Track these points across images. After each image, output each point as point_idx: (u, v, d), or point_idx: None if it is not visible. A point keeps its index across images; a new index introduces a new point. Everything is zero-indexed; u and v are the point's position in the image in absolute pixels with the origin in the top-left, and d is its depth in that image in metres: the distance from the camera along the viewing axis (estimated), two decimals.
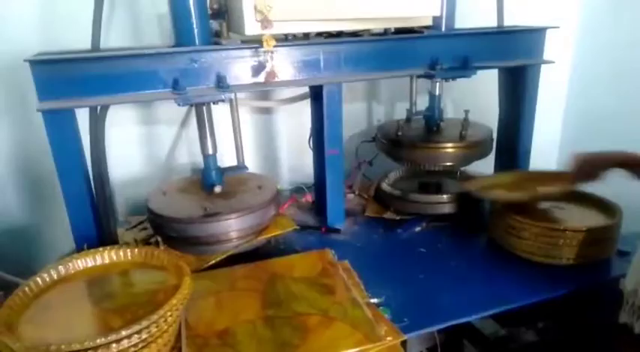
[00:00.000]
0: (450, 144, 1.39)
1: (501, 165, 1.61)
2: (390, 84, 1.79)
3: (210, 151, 1.25)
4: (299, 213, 1.54)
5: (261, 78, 1.18)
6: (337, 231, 1.40)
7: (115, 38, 1.40)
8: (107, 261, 1.00)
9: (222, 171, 1.28)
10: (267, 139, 1.74)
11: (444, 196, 1.42)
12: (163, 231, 1.20)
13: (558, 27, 1.44)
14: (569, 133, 2.13)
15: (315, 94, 1.35)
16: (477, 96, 1.73)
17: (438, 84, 1.45)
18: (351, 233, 1.40)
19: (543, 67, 1.47)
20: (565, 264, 1.13)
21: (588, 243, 1.11)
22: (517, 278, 1.13)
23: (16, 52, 1.10)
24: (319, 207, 1.49)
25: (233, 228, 1.16)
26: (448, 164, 1.42)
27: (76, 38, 1.14)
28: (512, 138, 1.55)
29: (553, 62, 1.45)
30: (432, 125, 1.50)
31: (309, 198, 1.61)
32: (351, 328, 0.89)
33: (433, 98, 1.47)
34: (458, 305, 1.05)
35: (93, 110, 1.14)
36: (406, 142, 1.44)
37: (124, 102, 1.12)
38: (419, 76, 1.39)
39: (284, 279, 1.07)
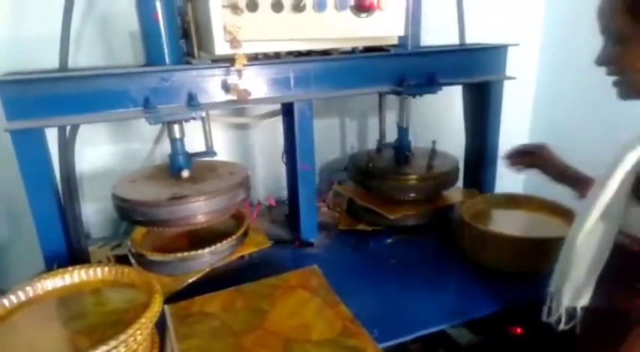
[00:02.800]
0: (417, 176, 1.45)
1: (469, 181, 1.67)
2: (360, 107, 1.84)
3: (178, 135, 1.23)
4: (273, 226, 1.56)
5: (232, 96, 1.20)
6: (310, 244, 1.42)
7: (85, 56, 1.40)
8: (77, 280, 0.99)
9: (190, 156, 1.28)
10: (242, 155, 1.75)
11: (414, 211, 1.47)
12: (130, 216, 1.18)
13: (518, 44, 1.50)
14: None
15: (287, 111, 1.37)
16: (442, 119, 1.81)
17: (405, 109, 1.49)
18: (324, 246, 1.42)
19: (509, 84, 1.53)
20: (531, 271, 1.17)
21: (554, 252, 1.15)
22: (485, 287, 1.16)
23: None
24: (293, 220, 1.50)
25: (201, 211, 1.17)
26: (416, 195, 1.47)
27: (46, 58, 1.15)
28: (478, 154, 1.61)
29: (514, 78, 1.52)
30: (401, 156, 1.55)
31: (271, 200, 1.67)
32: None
33: (402, 130, 1.53)
34: (427, 315, 1.07)
35: (62, 129, 1.14)
36: (376, 174, 1.48)
37: (94, 122, 1.12)
38: (387, 93, 1.43)
39: (302, 345, 0.93)
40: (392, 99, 1.51)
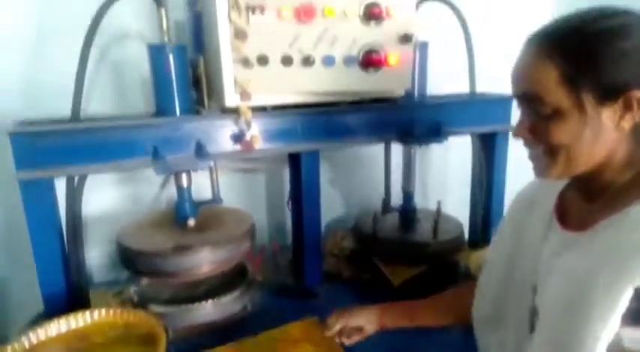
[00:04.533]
0: (422, 244, 1.45)
1: (475, 235, 1.65)
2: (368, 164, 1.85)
3: (185, 183, 1.23)
4: (276, 273, 1.54)
5: (240, 145, 1.21)
6: (315, 295, 1.40)
7: (97, 101, 1.43)
8: (76, 325, 0.98)
9: (197, 205, 1.27)
10: (247, 198, 1.75)
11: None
12: (133, 266, 1.17)
13: None
14: None
15: (293, 160, 1.38)
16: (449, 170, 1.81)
17: (412, 163, 1.50)
18: (328, 295, 1.39)
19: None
20: None
21: None
22: None
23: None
24: (297, 268, 1.49)
25: (206, 261, 1.16)
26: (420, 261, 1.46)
27: (61, 103, 1.17)
28: (485, 208, 1.60)
29: None
30: (407, 221, 1.55)
31: (275, 246, 1.65)
32: None
33: (407, 195, 1.54)
34: None
35: (70, 178, 1.15)
36: (380, 240, 1.48)
37: (103, 172, 1.13)
38: (394, 141, 1.44)
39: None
40: (398, 150, 1.52)
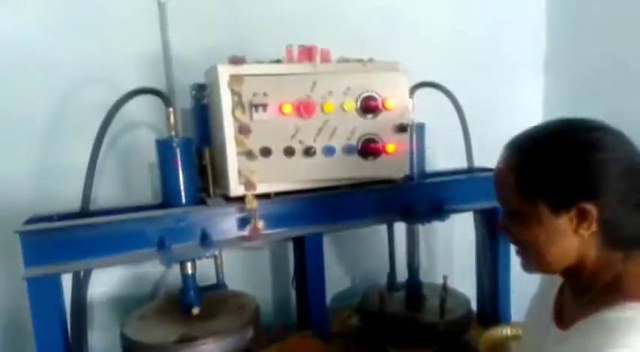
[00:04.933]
0: (431, 324, 1.43)
1: (483, 311, 1.63)
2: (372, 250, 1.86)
3: (190, 271, 1.22)
4: None
5: (245, 232, 1.23)
6: None
7: (105, 188, 1.47)
8: None
9: (201, 291, 1.26)
10: (252, 277, 1.75)
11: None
12: None
13: None
14: None
15: (297, 243, 1.39)
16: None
17: (415, 239, 1.51)
18: None
19: None
20: None
21: None
22: None
23: (11, 209, 1.15)
24: None
25: None
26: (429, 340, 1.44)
27: (70, 189, 1.21)
28: (492, 283, 1.59)
29: None
30: (413, 298, 1.54)
31: (280, 329, 1.57)
32: None
33: (412, 271, 1.54)
34: None
35: (77, 272, 1.17)
36: (388, 318, 1.46)
37: (109, 266, 1.15)
38: (396, 221, 1.46)
39: None
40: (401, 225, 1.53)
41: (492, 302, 1.59)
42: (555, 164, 0.73)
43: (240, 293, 1.42)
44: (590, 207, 0.71)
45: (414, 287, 1.55)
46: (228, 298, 1.36)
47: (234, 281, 1.43)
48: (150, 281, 1.63)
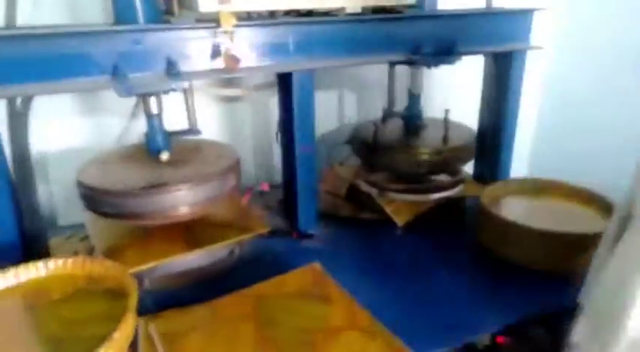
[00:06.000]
0: (432, 150, 1.27)
1: (482, 164, 1.50)
2: (362, 76, 1.64)
3: (155, 110, 1.03)
4: (266, 214, 1.38)
5: (219, 63, 1.00)
6: (310, 236, 1.25)
7: (46, 13, 1.17)
8: (27, 278, 0.82)
9: (170, 135, 1.08)
10: (229, 132, 1.56)
11: (430, 196, 1.30)
12: (97, 207, 1.00)
13: (545, 9, 1.32)
14: (546, 122, 2.06)
15: (284, 83, 1.18)
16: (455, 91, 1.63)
17: (418, 76, 1.31)
18: (325, 238, 1.25)
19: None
20: (563, 270, 1.03)
21: (591, 250, 1.01)
22: (515, 288, 1.03)
23: None
24: (289, 209, 1.33)
25: (184, 202, 0.98)
26: (430, 171, 1.30)
27: None
28: (494, 134, 1.43)
29: (542, 48, 1.34)
30: (412, 127, 1.37)
31: (264, 186, 1.47)
32: (363, 335, 0.81)
33: (413, 97, 1.34)
34: (468, 321, 0.94)
35: (12, 102, 0.94)
36: (385, 148, 1.30)
37: (49, 93, 0.92)
38: (400, 63, 1.24)
39: (274, 298, 0.93)
40: (401, 69, 1.32)
41: (495, 159, 1.45)
42: None
43: (217, 142, 1.23)
44: None
45: (413, 116, 1.36)
46: (204, 147, 1.17)
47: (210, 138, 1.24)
48: (113, 135, 1.42)
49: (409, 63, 1.23)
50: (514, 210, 1.16)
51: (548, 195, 1.23)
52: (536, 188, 1.25)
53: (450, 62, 1.22)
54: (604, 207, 1.12)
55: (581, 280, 0.79)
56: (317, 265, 1.02)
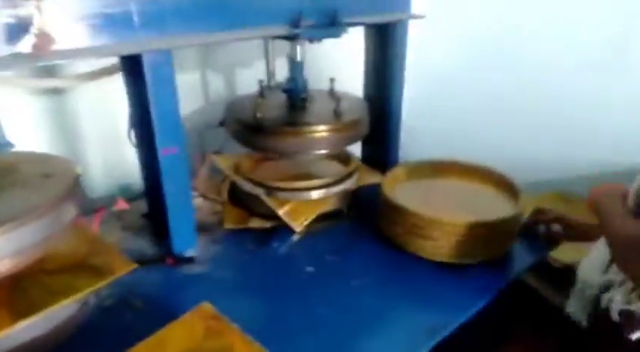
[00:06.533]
0: (324, 127, 1.08)
1: (369, 147, 1.39)
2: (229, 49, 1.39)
3: None
4: (127, 237, 1.08)
5: (25, 46, 0.68)
6: (190, 259, 1.00)
7: None
8: None
9: None
10: (64, 133, 1.18)
11: (329, 190, 1.13)
12: None
13: None
14: (413, 93, 2.03)
15: (131, 69, 0.88)
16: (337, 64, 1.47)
17: (299, 47, 1.11)
18: (209, 259, 1.01)
19: None
20: (483, 260, 0.96)
21: (504, 235, 0.96)
22: (440, 287, 0.93)
23: None
24: (158, 227, 1.05)
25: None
26: (322, 151, 1.12)
27: None
28: (380, 113, 1.31)
29: (424, 16, 1.24)
30: (296, 100, 1.17)
31: (122, 204, 1.15)
32: None
33: (295, 65, 1.13)
34: (394, 347, 0.79)
35: None
36: (268, 127, 1.08)
37: None
38: (277, 37, 1.03)
39: None
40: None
41: (382, 137, 1.34)
42: None
43: (43, 155, 0.88)
44: None
45: (297, 89, 1.15)
46: (21, 165, 0.82)
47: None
48: None
49: (290, 38, 1.02)
50: (417, 197, 1.06)
51: (447, 176, 1.16)
52: (434, 170, 1.17)
53: (336, 35, 1.05)
54: (504, 183, 1.09)
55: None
56: (207, 306, 0.78)
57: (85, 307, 0.84)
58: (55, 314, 0.77)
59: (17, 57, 0.68)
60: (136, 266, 0.82)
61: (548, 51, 1.41)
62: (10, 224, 0.66)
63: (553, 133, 1.42)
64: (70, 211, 0.76)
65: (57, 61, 0.75)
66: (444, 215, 0.94)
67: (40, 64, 0.70)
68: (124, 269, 0.82)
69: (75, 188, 0.79)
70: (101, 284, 0.79)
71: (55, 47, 0.69)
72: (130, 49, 0.80)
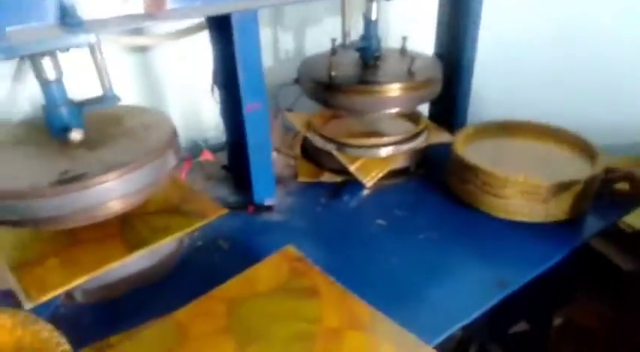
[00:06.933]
0: (398, 86, 1.09)
1: (437, 105, 1.38)
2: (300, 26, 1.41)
3: (53, 75, 0.75)
4: (209, 186, 1.17)
5: (136, 7, 0.74)
6: (269, 208, 1.08)
7: None
8: None
9: (80, 106, 0.80)
10: (146, 91, 1.27)
11: (399, 147, 1.16)
12: None
13: None
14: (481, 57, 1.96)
15: (219, 27, 0.93)
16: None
17: (375, 4, 1.11)
18: (286, 209, 1.09)
19: None
20: (555, 220, 0.97)
21: (580, 196, 0.96)
22: (510, 244, 0.95)
23: None
24: (239, 178, 1.13)
25: (111, 195, 0.75)
26: (394, 110, 1.14)
27: None
28: (452, 68, 1.29)
29: None
30: (369, 59, 1.18)
31: (207, 155, 1.20)
32: (368, 336, 0.68)
33: (369, 24, 1.14)
34: (463, 297, 0.83)
35: None
36: (342, 85, 1.11)
37: None
38: None
39: (249, 302, 0.74)
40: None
41: (452, 92, 1.33)
42: None
43: (141, 108, 0.97)
44: None
45: (370, 47, 1.17)
46: (126, 117, 0.91)
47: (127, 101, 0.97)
48: None
49: None
50: (489, 156, 1.06)
51: (520, 137, 1.16)
52: (507, 130, 1.17)
53: None
54: (581, 145, 1.07)
55: None
56: (291, 249, 0.86)
57: (181, 246, 0.95)
58: (159, 250, 0.87)
59: (130, 19, 0.74)
60: (227, 210, 0.91)
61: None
62: (127, 167, 0.75)
63: (627, 97, 1.35)
64: (171, 159, 0.85)
65: (164, 21, 0.80)
66: (518, 174, 0.95)
67: (150, 24, 0.76)
68: (216, 213, 0.91)
69: (173, 139, 0.87)
70: (199, 224, 0.88)
71: (162, 7, 0.75)
72: (224, 9, 0.84)
